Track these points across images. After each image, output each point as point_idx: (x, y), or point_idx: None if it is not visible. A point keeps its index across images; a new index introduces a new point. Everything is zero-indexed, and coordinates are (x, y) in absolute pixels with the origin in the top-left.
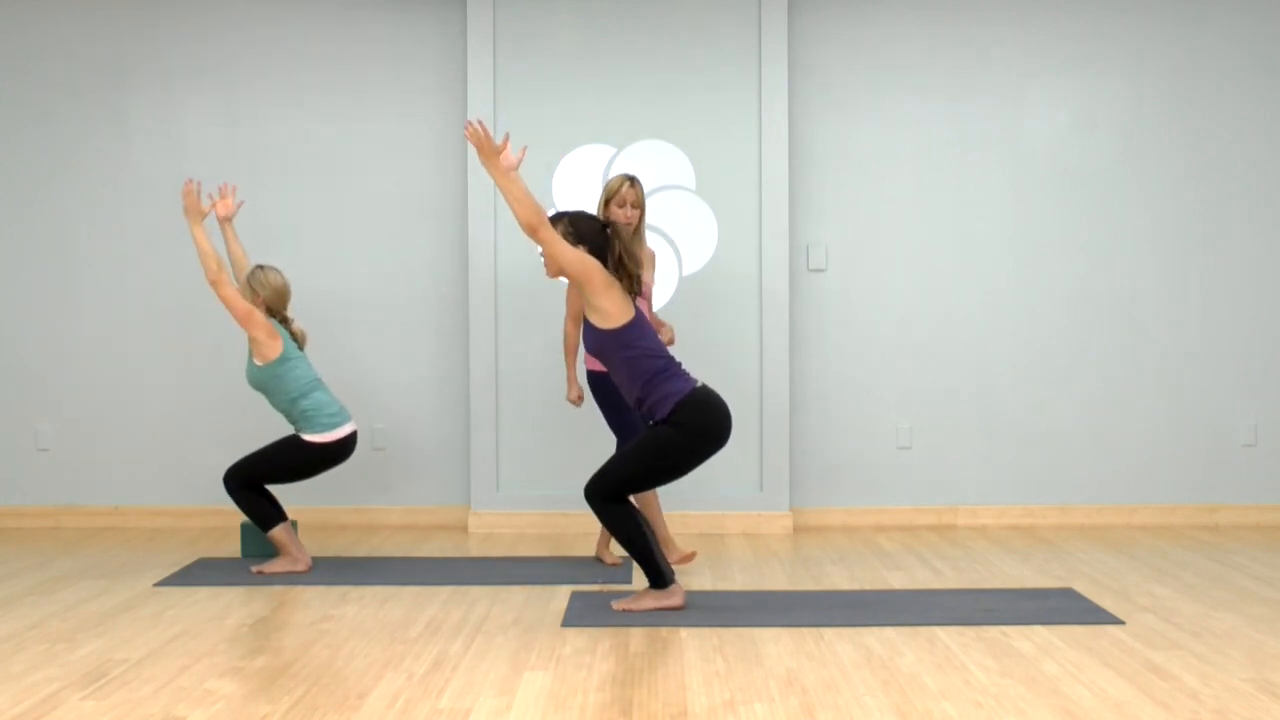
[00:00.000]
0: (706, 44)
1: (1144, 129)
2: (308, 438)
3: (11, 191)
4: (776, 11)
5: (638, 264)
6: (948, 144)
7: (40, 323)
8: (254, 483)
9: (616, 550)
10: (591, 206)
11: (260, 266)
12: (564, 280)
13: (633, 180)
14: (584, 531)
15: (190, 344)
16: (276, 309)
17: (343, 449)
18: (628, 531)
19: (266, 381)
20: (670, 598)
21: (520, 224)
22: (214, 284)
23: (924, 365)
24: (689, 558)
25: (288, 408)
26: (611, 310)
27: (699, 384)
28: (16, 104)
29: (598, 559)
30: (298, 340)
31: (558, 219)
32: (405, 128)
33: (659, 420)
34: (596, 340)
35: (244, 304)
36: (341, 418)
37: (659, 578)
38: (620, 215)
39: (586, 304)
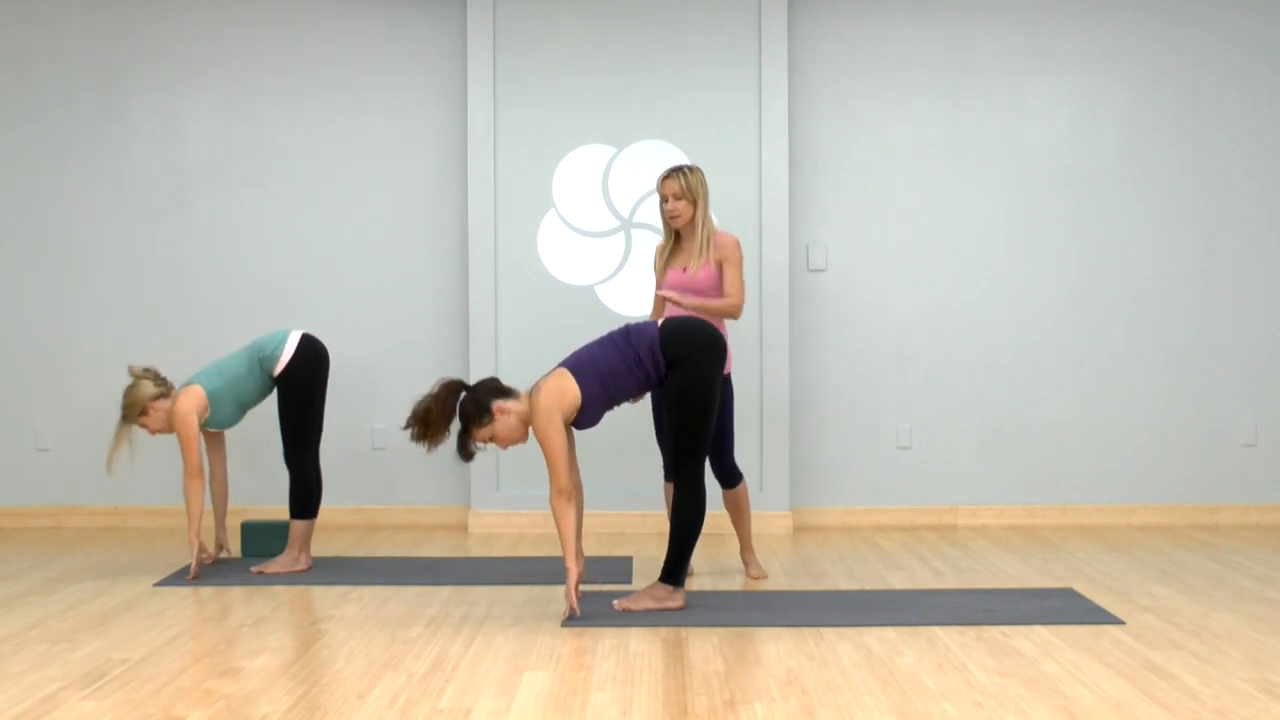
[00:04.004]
0: (706, 44)
1: (1144, 129)
2: (278, 372)
3: (11, 191)
4: (776, 11)
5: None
6: (948, 143)
7: (40, 322)
8: (311, 444)
9: (760, 564)
10: (590, 203)
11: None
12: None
13: (670, 171)
14: (584, 532)
15: (189, 343)
16: (137, 409)
17: (307, 356)
18: (694, 520)
19: (233, 411)
20: (672, 599)
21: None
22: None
23: (924, 365)
24: (690, 574)
25: (253, 389)
26: (564, 425)
27: (658, 323)
28: (17, 103)
29: (744, 564)
30: (152, 380)
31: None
32: (405, 128)
33: (666, 372)
34: (589, 415)
35: (191, 425)
36: (280, 336)
37: (677, 575)
38: (665, 210)
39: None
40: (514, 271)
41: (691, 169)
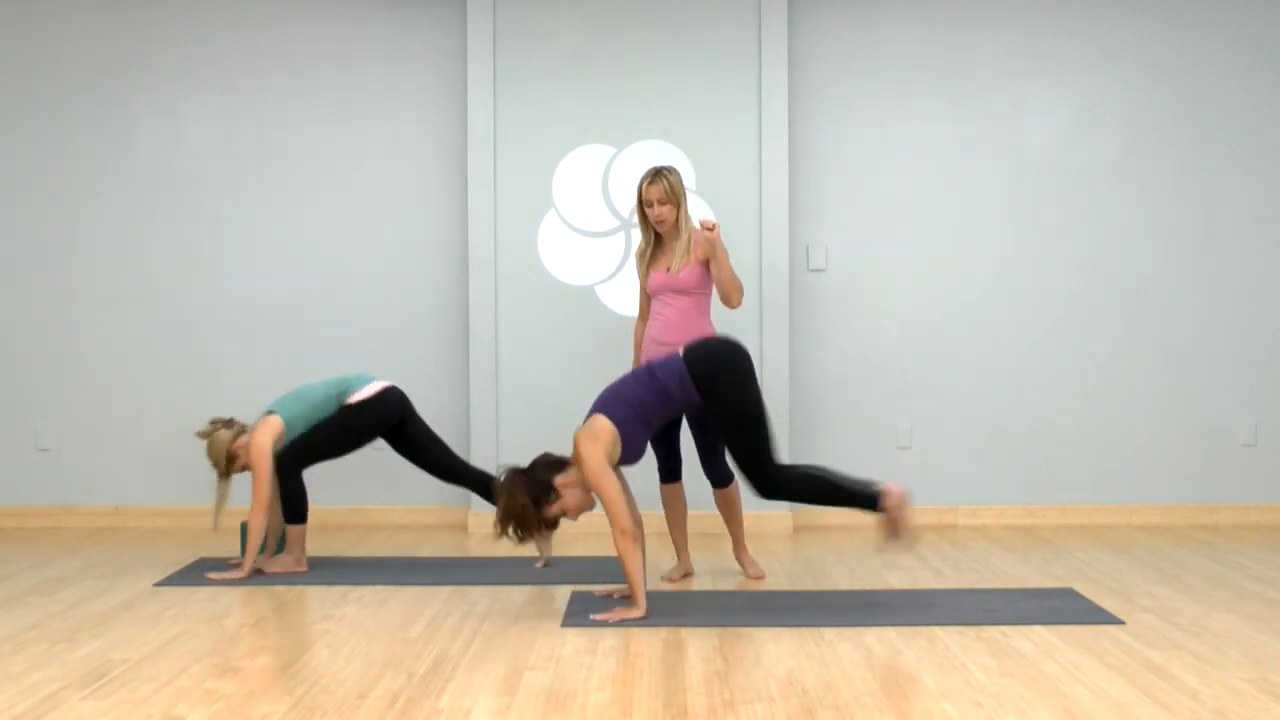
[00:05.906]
0: (706, 44)
1: (1144, 129)
2: (352, 400)
3: (11, 191)
4: (776, 11)
5: (548, 526)
6: (948, 143)
7: (40, 323)
8: (307, 462)
9: (756, 560)
10: (590, 203)
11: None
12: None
13: (653, 175)
14: (583, 531)
15: (190, 344)
16: (225, 460)
17: (384, 405)
18: (818, 488)
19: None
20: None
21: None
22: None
23: (924, 365)
24: (689, 575)
25: (324, 417)
26: (610, 462)
27: (680, 352)
28: (17, 104)
29: (740, 564)
30: (223, 426)
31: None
32: (405, 128)
33: (700, 399)
34: (632, 445)
35: (266, 461)
36: (367, 378)
37: (871, 499)
38: (651, 216)
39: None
40: (514, 271)
41: (670, 170)
